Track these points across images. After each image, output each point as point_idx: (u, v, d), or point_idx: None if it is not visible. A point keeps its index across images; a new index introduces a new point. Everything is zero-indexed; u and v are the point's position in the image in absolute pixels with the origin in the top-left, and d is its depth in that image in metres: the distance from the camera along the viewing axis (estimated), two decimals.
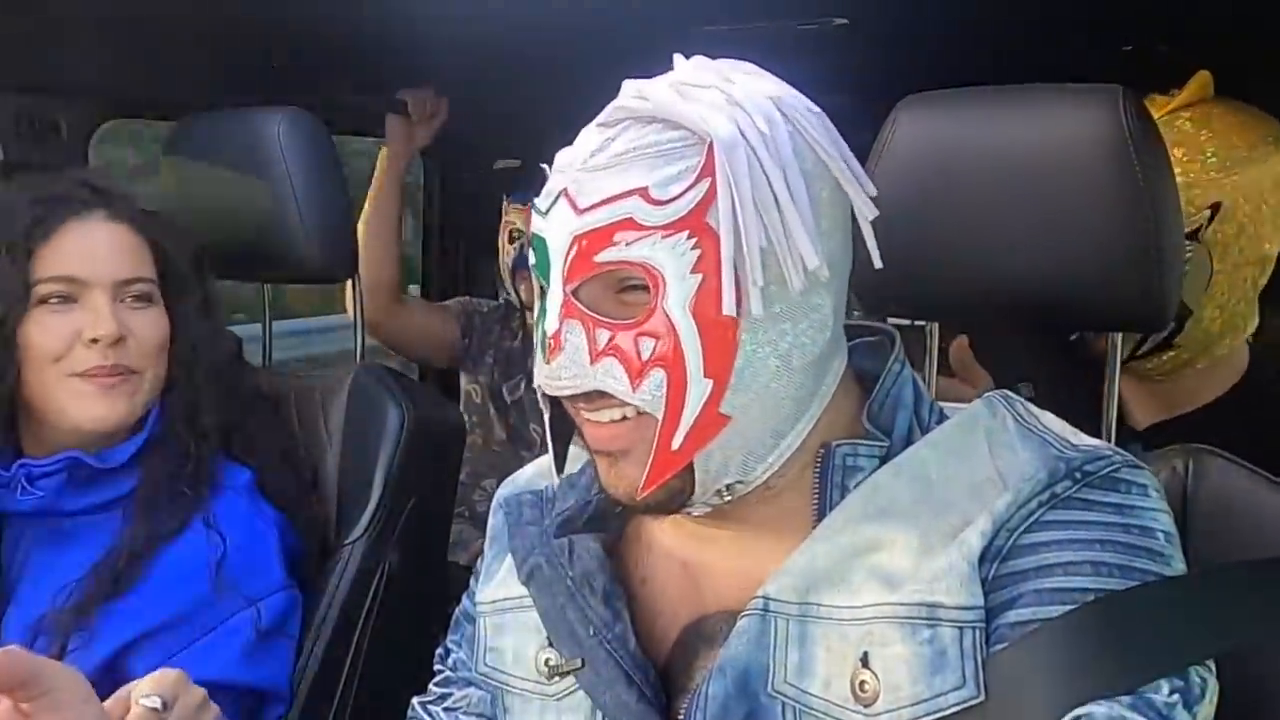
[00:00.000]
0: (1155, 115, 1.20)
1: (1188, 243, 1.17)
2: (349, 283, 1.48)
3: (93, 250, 1.13)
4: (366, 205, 2.08)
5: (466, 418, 2.21)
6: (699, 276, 0.67)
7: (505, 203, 2.15)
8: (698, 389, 0.68)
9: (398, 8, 1.35)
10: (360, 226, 1.98)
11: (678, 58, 0.75)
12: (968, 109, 0.97)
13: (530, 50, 1.68)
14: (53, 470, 1.10)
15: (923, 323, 1.09)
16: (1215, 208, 1.18)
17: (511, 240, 2.13)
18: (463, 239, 2.66)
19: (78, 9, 1.30)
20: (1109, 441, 0.96)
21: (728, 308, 0.67)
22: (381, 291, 2.02)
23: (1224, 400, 1.30)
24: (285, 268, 1.38)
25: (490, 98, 2.20)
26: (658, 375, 0.68)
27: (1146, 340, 1.22)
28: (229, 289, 1.44)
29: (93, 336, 1.09)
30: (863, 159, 0.97)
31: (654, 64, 0.76)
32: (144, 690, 0.73)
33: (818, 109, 0.73)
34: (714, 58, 0.75)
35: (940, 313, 1.06)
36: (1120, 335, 1.01)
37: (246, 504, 1.16)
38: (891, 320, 0.97)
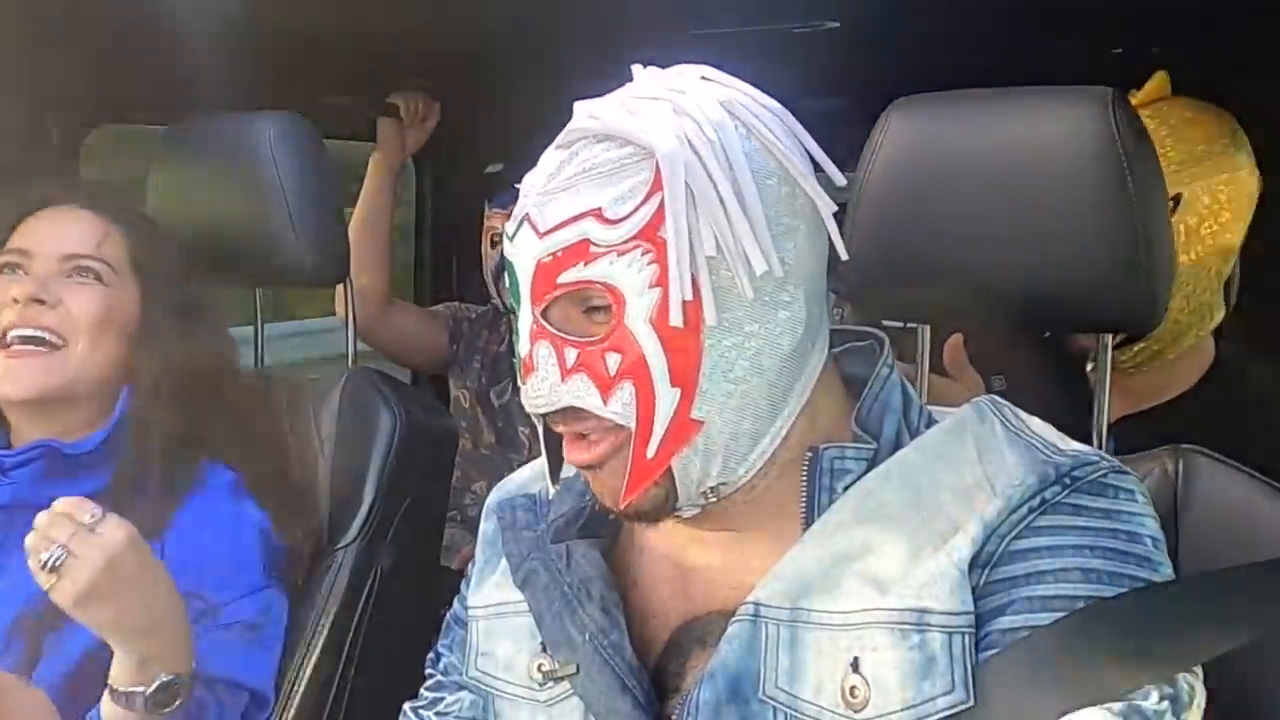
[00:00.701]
0: None
1: None
2: (340, 287, 1.47)
3: (48, 227, 1.16)
4: (357, 210, 2.07)
5: (456, 422, 2.20)
6: (657, 290, 0.68)
7: (487, 208, 2.15)
8: (667, 398, 0.69)
9: (389, 11, 1.35)
10: (351, 231, 1.97)
11: (635, 69, 0.76)
12: (958, 111, 0.97)
13: (522, 54, 1.68)
14: (26, 459, 1.10)
15: (914, 325, 1.09)
16: (1176, 199, 1.21)
17: (494, 245, 2.13)
18: (453, 244, 2.65)
19: (69, 11, 1.30)
20: (1101, 445, 0.96)
21: (674, 319, 0.68)
22: (372, 297, 2.02)
23: (1192, 392, 1.31)
24: (276, 272, 1.37)
25: (482, 102, 2.20)
26: (627, 388, 0.69)
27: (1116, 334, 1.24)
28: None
29: (13, 296, 1.09)
30: (855, 160, 0.98)
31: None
32: None
33: (777, 106, 0.73)
34: (705, 61, 0.76)
35: (930, 314, 1.06)
36: (1110, 336, 1.02)
37: (227, 503, 1.16)
38: (885, 322, 0.97)
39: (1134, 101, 1.25)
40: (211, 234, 1.33)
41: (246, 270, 1.39)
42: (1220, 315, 1.30)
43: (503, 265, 2.15)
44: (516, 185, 0.75)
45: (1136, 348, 1.26)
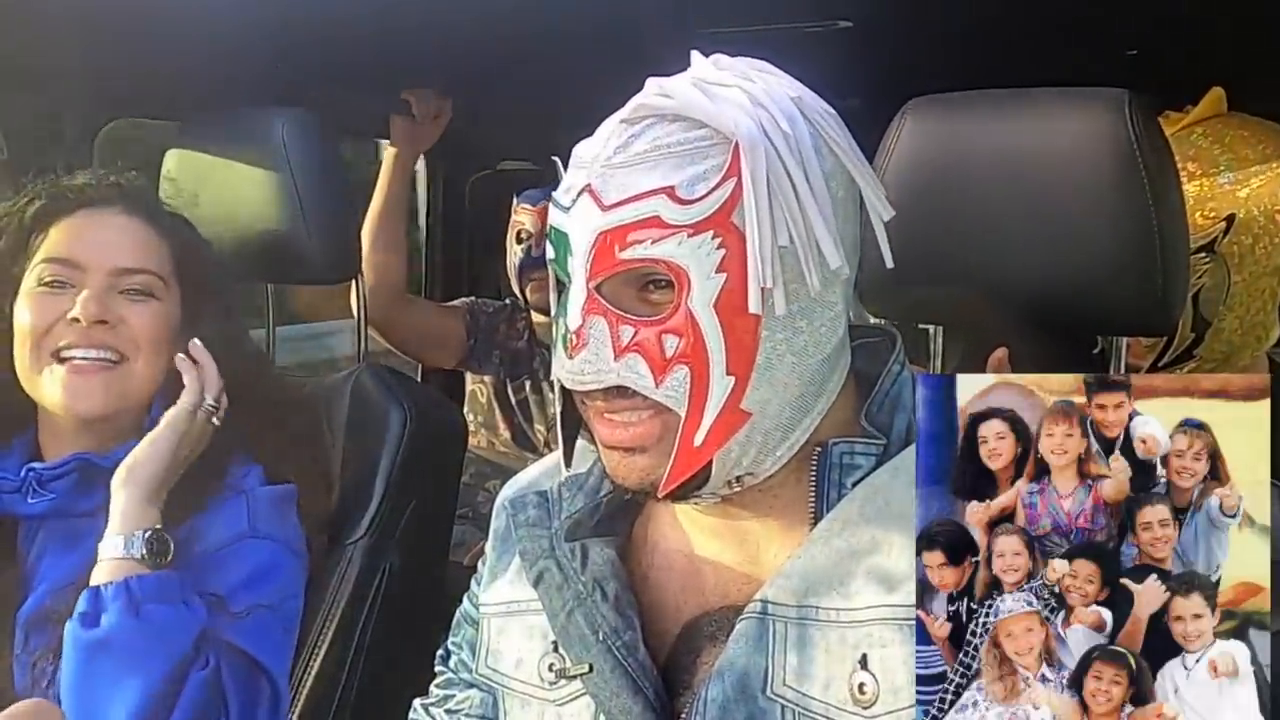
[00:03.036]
0: (1169, 131, 1.21)
1: (1205, 255, 1.18)
2: (352, 283, 1.48)
3: (96, 237, 1.13)
4: (371, 206, 2.08)
5: (471, 418, 2.21)
6: (723, 276, 0.68)
7: (515, 202, 2.15)
8: (720, 386, 0.68)
9: (402, 8, 1.35)
10: (365, 228, 1.98)
11: (695, 55, 0.75)
12: (973, 112, 0.96)
13: (534, 52, 1.68)
14: (62, 472, 1.10)
15: (927, 326, 1.09)
16: (1230, 219, 1.19)
17: (519, 241, 2.12)
18: (465, 240, 2.66)
19: (83, 6, 1.31)
20: None
21: (754, 306, 0.68)
22: (387, 292, 2.02)
23: None
24: (288, 268, 1.38)
25: (494, 99, 2.20)
26: (681, 372, 0.68)
27: (1167, 352, 1.22)
28: None
29: (74, 316, 1.08)
30: (868, 162, 0.97)
31: (659, 67, 0.75)
32: None
33: (833, 110, 0.73)
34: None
35: (944, 316, 1.06)
36: (1125, 340, 1.01)
37: (255, 501, 1.15)
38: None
39: (1189, 119, 1.23)
40: (223, 230, 1.33)
41: (258, 266, 1.39)
42: (1275, 335, 1.28)
43: (529, 261, 2.16)
44: (549, 187, 0.74)
45: (1189, 367, 1.24)
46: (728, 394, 0.69)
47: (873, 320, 1.10)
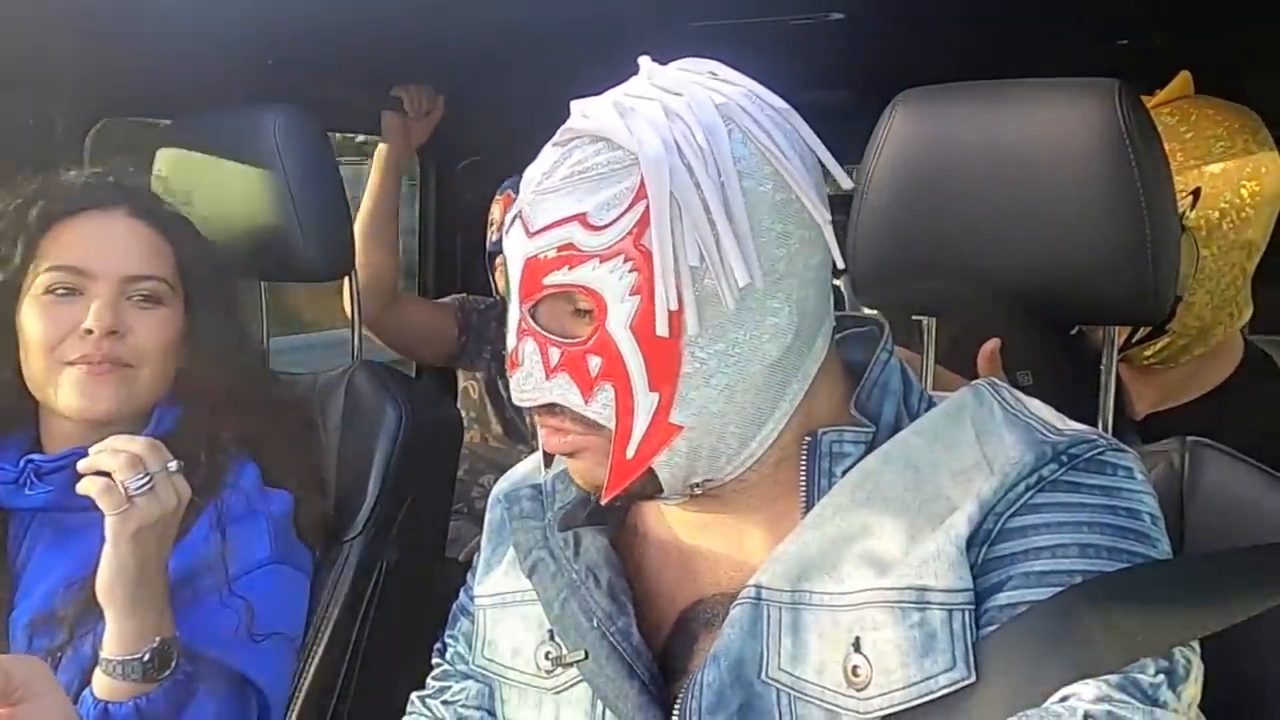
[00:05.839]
0: None
1: None
2: (345, 281, 1.48)
3: (103, 243, 1.13)
4: (364, 203, 2.08)
5: (464, 414, 2.21)
6: (637, 298, 0.69)
7: (499, 191, 2.16)
8: (645, 402, 0.70)
9: (392, 4, 1.35)
10: (358, 226, 1.98)
11: (642, 61, 0.75)
12: (964, 103, 0.97)
13: (524, 46, 1.68)
14: (61, 465, 1.10)
15: (920, 317, 1.09)
16: (1196, 193, 1.21)
17: (491, 228, 2.14)
18: (458, 237, 2.65)
19: (74, 4, 1.30)
20: (1108, 430, 0.96)
21: (660, 330, 0.69)
22: (380, 291, 2.02)
23: (1219, 390, 1.31)
24: (281, 266, 1.37)
25: (484, 94, 2.20)
26: (607, 390, 0.70)
27: (1139, 328, 1.23)
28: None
29: (87, 328, 1.09)
30: (858, 154, 0.98)
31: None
32: None
33: (783, 105, 0.73)
34: (707, 54, 0.75)
35: (936, 306, 1.06)
36: (1116, 328, 1.02)
37: (250, 500, 1.16)
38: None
39: (1157, 99, 1.25)
40: (216, 228, 1.33)
41: (251, 264, 1.39)
42: (1249, 312, 1.29)
43: (494, 247, 2.16)
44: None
45: (1161, 344, 1.26)
46: (654, 409, 0.70)
47: (866, 311, 1.10)
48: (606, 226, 0.69)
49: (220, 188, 1.36)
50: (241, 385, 1.19)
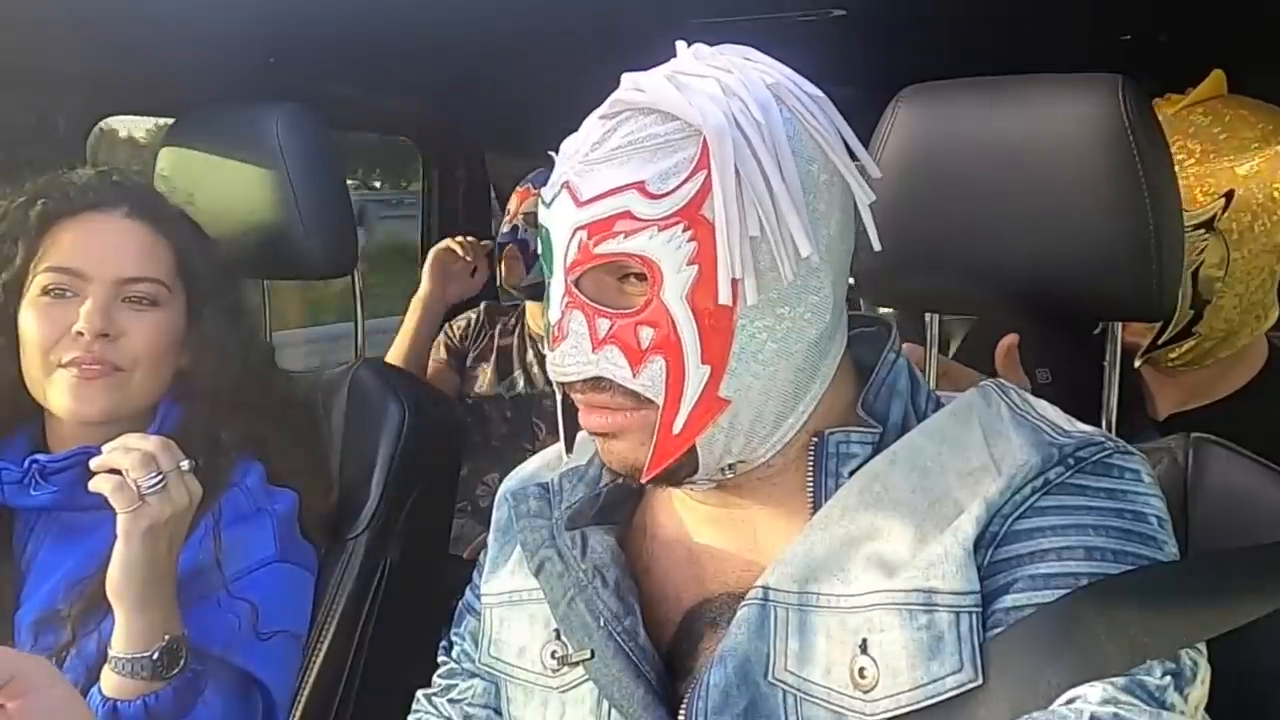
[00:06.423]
0: (1170, 111, 1.22)
1: (1204, 231, 1.18)
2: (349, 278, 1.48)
3: (99, 245, 1.12)
4: (396, 343, 2.14)
5: (466, 415, 2.21)
6: (695, 268, 0.68)
7: (518, 186, 2.18)
8: (696, 375, 0.69)
9: (394, 2, 1.35)
10: (390, 357, 2.06)
11: (680, 45, 0.75)
12: (967, 99, 0.97)
13: (528, 43, 1.68)
14: (66, 464, 1.10)
15: (924, 314, 1.09)
16: (1229, 195, 1.19)
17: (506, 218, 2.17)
18: (460, 234, 2.65)
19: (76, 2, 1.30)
20: (1109, 430, 0.96)
21: (723, 298, 0.68)
22: None
23: (1242, 392, 1.31)
24: (285, 264, 1.37)
25: (488, 91, 2.19)
26: (657, 362, 0.70)
27: (1167, 329, 1.23)
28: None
29: (78, 329, 1.08)
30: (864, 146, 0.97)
31: (651, 56, 0.76)
32: None
33: (819, 93, 0.73)
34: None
35: (940, 303, 1.06)
36: (1120, 325, 1.02)
37: (255, 499, 1.16)
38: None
39: (1189, 99, 1.24)
40: (218, 227, 1.32)
41: (255, 263, 1.39)
42: (1275, 315, 1.28)
43: (505, 236, 2.18)
44: (544, 173, 0.75)
45: (1188, 346, 1.25)
46: (704, 383, 0.70)
47: (881, 310, 1.10)
48: (666, 195, 0.68)
49: (223, 186, 1.36)
50: (246, 384, 1.18)
